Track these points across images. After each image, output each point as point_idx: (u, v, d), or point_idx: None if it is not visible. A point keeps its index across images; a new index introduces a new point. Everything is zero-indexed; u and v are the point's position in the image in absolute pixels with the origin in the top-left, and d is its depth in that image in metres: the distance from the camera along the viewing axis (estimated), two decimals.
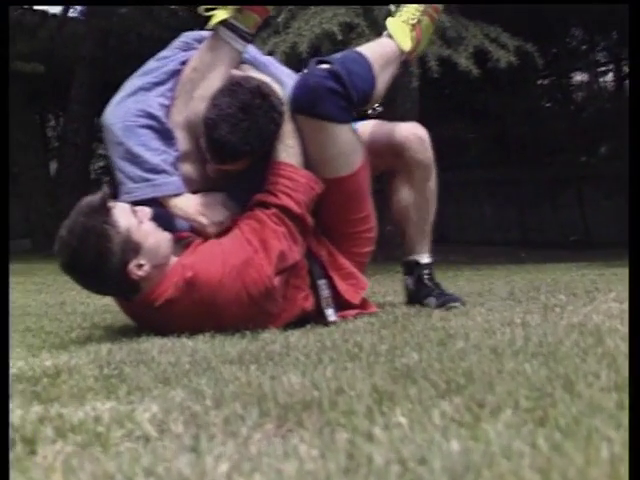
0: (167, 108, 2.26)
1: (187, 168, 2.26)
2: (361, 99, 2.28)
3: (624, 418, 0.89)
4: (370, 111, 3.02)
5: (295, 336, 1.91)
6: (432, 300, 2.45)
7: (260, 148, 2.19)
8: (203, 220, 2.17)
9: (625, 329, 1.58)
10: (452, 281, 4.33)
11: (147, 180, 2.18)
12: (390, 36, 2.48)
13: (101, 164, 16.56)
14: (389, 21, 2.53)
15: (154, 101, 2.23)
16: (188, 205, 2.19)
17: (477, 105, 11.04)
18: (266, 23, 5.63)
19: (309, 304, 2.21)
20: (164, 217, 2.17)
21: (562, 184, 11.40)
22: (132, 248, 2.02)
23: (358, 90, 2.24)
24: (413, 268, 2.58)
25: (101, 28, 10.20)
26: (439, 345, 1.60)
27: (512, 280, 4.17)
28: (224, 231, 2.16)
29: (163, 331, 2.04)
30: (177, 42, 2.40)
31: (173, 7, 9.78)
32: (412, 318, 2.15)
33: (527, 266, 6.00)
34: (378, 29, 5.75)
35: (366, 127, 2.52)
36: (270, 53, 5.44)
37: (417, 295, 2.55)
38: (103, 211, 2.00)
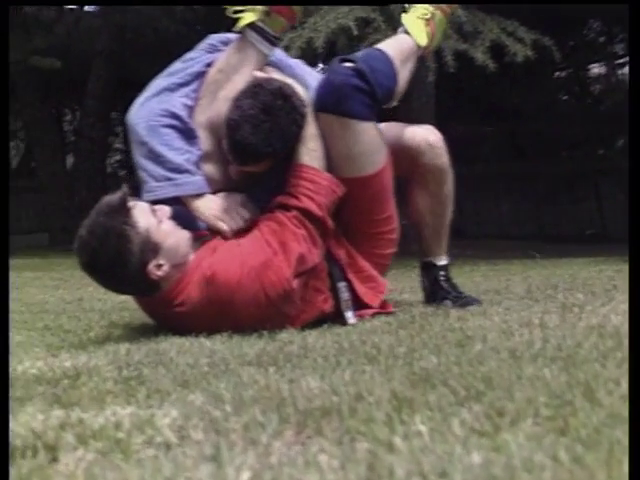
0: (191, 108, 2.27)
1: (209, 168, 2.27)
2: (385, 96, 2.29)
3: None
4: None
5: (313, 336, 1.91)
6: (448, 303, 2.44)
7: (282, 150, 2.19)
8: (221, 226, 2.18)
9: None
10: (469, 276, 4.33)
11: (169, 179, 2.19)
12: (407, 32, 2.49)
13: (117, 158, 16.64)
14: (404, 17, 2.54)
15: (178, 101, 2.25)
16: (209, 208, 2.20)
17: (493, 99, 11.00)
18: None
19: (328, 306, 2.21)
20: (184, 215, 2.19)
21: (579, 178, 11.34)
22: (151, 249, 2.03)
23: (382, 87, 2.25)
24: (429, 269, 2.58)
25: (117, 22, 10.22)
26: (457, 347, 1.60)
27: (529, 276, 4.16)
28: (244, 231, 2.17)
29: (181, 330, 2.05)
30: (203, 44, 2.42)
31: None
32: (429, 318, 2.15)
33: (544, 261, 5.96)
34: (394, 24, 5.74)
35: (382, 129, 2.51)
36: (286, 48, 5.43)
37: (434, 296, 2.54)
38: (123, 211, 2.01)
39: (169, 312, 2.11)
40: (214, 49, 2.38)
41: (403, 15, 2.55)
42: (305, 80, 2.36)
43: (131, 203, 2.05)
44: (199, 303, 2.06)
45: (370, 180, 2.29)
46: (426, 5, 2.52)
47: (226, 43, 2.37)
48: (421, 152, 2.44)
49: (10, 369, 1.58)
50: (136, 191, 2.16)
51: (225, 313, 2.04)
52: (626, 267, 4.36)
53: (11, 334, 2.24)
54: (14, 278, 4.99)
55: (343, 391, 1.19)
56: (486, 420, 0.98)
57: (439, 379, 1.24)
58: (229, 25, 2.35)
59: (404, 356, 1.52)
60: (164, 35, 10.43)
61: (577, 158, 11.53)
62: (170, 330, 2.09)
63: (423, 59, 3.02)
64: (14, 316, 2.79)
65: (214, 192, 2.25)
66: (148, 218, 2.05)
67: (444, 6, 2.57)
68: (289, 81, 2.27)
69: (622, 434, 0.87)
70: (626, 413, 0.97)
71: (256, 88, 2.18)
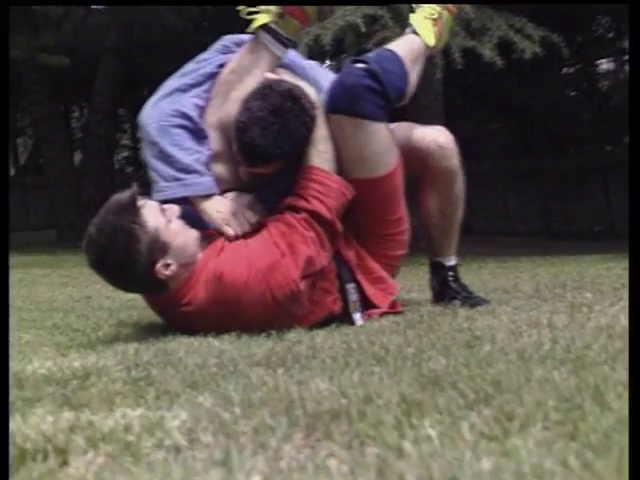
0: (202, 109, 2.28)
1: (219, 168, 2.27)
2: (397, 97, 2.29)
3: None
4: None
5: (321, 336, 1.91)
6: (457, 303, 2.44)
7: (291, 152, 2.19)
8: (227, 231, 2.18)
9: None
10: (476, 274, 4.32)
11: (178, 179, 2.20)
12: (415, 32, 2.49)
13: (125, 154, 16.69)
14: (412, 17, 2.54)
15: (189, 102, 2.26)
16: (216, 210, 2.20)
17: (501, 95, 10.97)
18: None
19: (337, 307, 2.21)
20: (192, 214, 2.19)
21: (587, 174, 11.30)
22: (159, 248, 2.03)
23: (394, 88, 2.25)
24: (438, 270, 2.57)
25: (124, 19, 10.24)
26: (466, 348, 1.59)
27: (537, 274, 4.15)
28: (252, 232, 2.17)
29: (189, 329, 2.05)
30: (217, 45, 2.43)
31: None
32: (437, 317, 2.14)
33: (552, 258, 5.96)
34: (401, 21, 5.73)
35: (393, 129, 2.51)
36: (294, 45, 5.43)
37: (442, 295, 2.54)
38: (132, 210, 2.02)
39: (176, 311, 2.12)
40: (227, 50, 2.38)
41: (411, 15, 2.55)
42: (318, 82, 2.36)
43: (140, 202, 2.05)
44: (206, 303, 2.07)
45: (382, 181, 2.28)
46: (433, 5, 2.52)
47: (239, 44, 2.38)
48: (430, 153, 2.43)
49: (11, 369, 1.59)
50: (145, 188, 2.17)
51: (232, 313, 2.04)
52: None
53: (20, 333, 2.26)
54: (23, 275, 5.02)
55: (352, 393, 1.19)
56: (495, 424, 0.98)
57: (448, 381, 1.24)
58: (243, 26, 2.34)
59: (412, 357, 1.52)
60: (171, 32, 10.44)
61: (585, 154, 11.51)
62: (178, 329, 2.09)
63: (431, 58, 3.01)
64: (23, 314, 2.80)
65: (223, 191, 2.25)
66: (157, 217, 2.06)
67: (450, 6, 2.57)
68: (300, 83, 2.27)
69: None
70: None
71: (266, 90, 2.18)
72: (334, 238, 2.19)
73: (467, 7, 5.91)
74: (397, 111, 2.44)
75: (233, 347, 1.82)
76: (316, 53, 5.88)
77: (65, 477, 0.91)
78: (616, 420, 0.95)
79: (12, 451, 0.98)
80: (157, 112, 2.26)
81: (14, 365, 1.66)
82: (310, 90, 2.26)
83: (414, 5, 2.58)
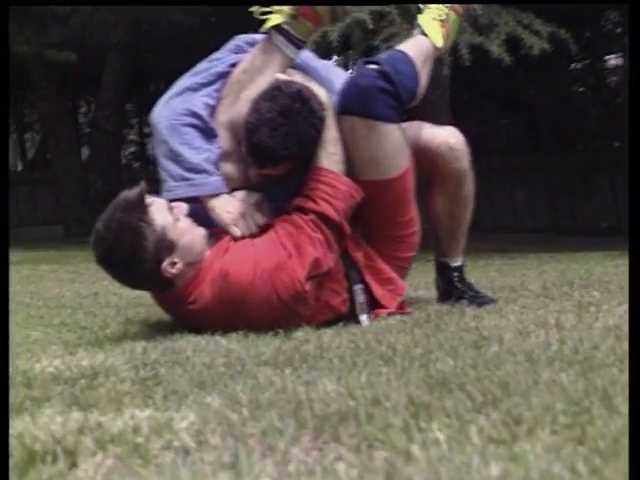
0: (212, 108, 2.28)
1: (229, 167, 2.27)
2: (408, 98, 2.28)
3: None
4: None
5: (328, 335, 1.91)
6: (464, 302, 2.44)
7: (300, 153, 2.19)
8: (234, 231, 2.18)
9: None
10: (483, 271, 4.31)
11: (187, 179, 2.21)
12: (424, 33, 2.49)
13: (132, 150, 16.71)
14: (420, 18, 2.54)
15: (199, 100, 2.26)
16: (225, 210, 2.20)
17: (509, 91, 10.94)
18: None
19: (345, 308, 2.21)
20: (200, 213, 2.19)
21: (595, 170, 11.26)
22: (166, 246, 2.04)
23: (406, 89, 2.25)
24: (444, 270, 2.57)
25: (132, 15, 10.23)
26: (473, 349, 1.59)
27: (544, 271, 4.14)
28: (259, 232, 2.17)
29: (195, 327, 2.06)
30: (229, 44, 2.43)
31: None
32: (445, 317, 2.14)
33: (559, 255, 5.95)
34: (409, 18, 5.72)
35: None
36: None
37: (448, 295, 2.54)
38: (140, 207, 2.02)
39: (183, 309, 2.12)
40: (240, 50, 2.38)
41: (419, 16, 2.54)
42: (331, 83, 2.36)
43: (149, 200, 2.05)
44: (211, 302, 2.07)
45: (393, 183, 2.28)
46: (440, 6, 2.52)
47: (252, 44, 2.38)
48: (440, 154, 2.42)
49: (17, 367, 1.59)
50: (153, 184, 2.17)
51: (237, 313, 2.04)
52: None
53: (28, 331, 2.27)
54: (30, 271, 5.04)
55: (360, 395, 1.19)
56: (503, 428, 0.98)
57: (456, 383, 1.24)
58: (251, 22, 2.34)
59: (420, 358, 1.52)
60: (179, 27, 10.44)
61: (593, 150, 11.45)
62: (186, 328, 2.10)
63: (439, 59, 3.02)
64: (31, 311, 2.81)
65: (232, 190, 2.25)
66: (165, 215, 2.06)
67: (457, 6, 2.57)
68: (310, 84, 2.26)
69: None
70: None
71: (275, 91, 2.18)
72: (341, 240, 2.19)
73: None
74: (409, 111, 2.44)
75: (240, 346, 1.82)
76: (323, 49, 5.87)
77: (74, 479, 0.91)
78: (624, 424, 0.95)
79: (22, 453, 0.99)
80: (168, 111, 2.26)
81: (22, 363, 1.67)
82: (320, 91, 2.25)
83: (422, 6, 2.58)
